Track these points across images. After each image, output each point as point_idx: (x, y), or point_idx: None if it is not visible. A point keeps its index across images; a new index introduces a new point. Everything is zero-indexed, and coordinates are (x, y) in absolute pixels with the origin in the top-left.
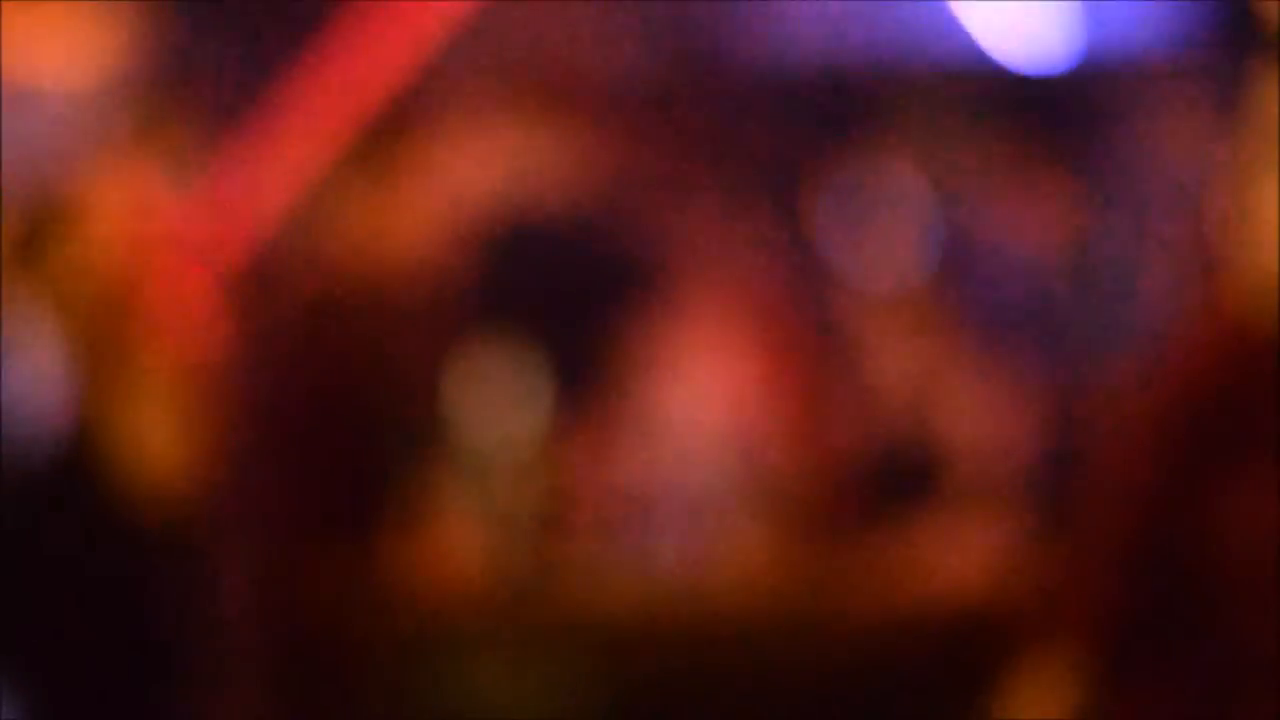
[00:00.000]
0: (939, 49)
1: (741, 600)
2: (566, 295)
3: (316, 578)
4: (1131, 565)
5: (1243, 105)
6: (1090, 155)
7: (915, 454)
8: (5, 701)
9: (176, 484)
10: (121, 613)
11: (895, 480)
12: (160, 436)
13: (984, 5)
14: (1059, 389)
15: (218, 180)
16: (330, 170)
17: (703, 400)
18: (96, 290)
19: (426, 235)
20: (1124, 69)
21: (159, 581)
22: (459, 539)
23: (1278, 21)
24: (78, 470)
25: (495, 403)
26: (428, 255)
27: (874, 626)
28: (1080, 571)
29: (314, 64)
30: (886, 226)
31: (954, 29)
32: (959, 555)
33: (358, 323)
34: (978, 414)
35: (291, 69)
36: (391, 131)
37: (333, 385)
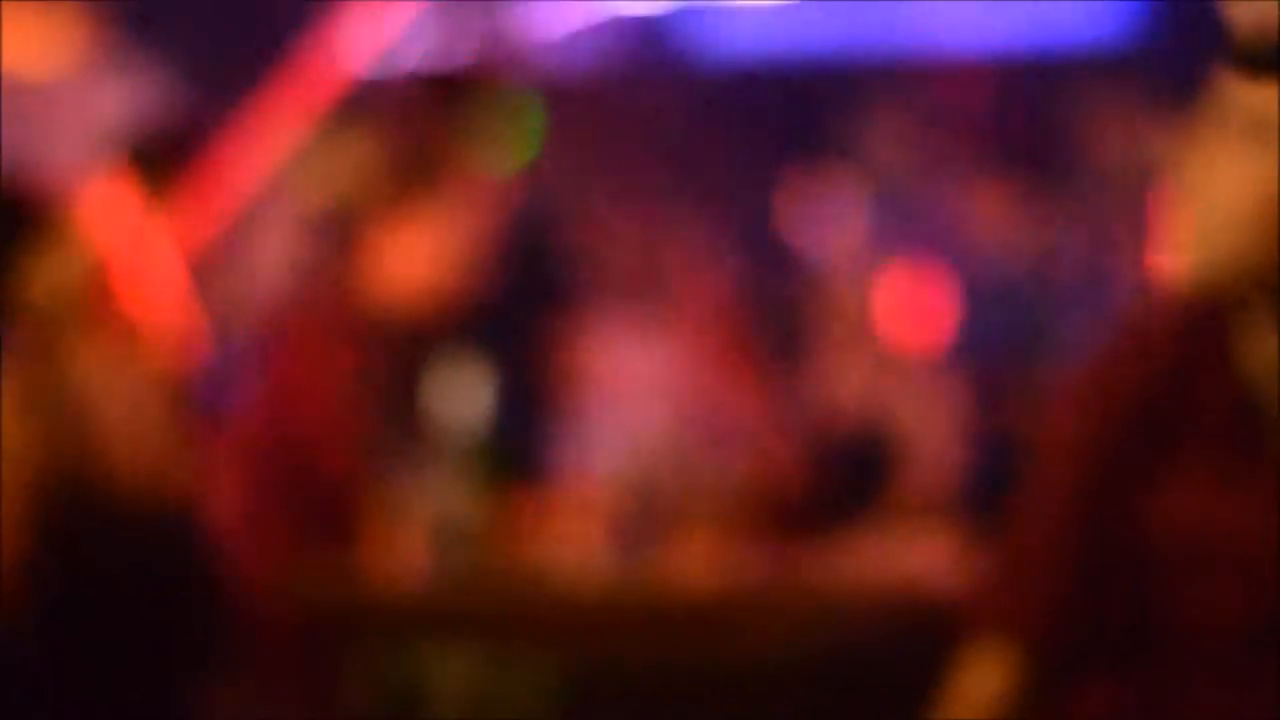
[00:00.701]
0: (895, 46)
1: (693, 595)
2: (519, 294)
3: (300, 573)
4: (1076, 559)
5: (1197, 96)
6: (1045, 150)
7: (867, 451)
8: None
9: (166, 485)
10: (129, 602)
11: (846, 477)
12: (144, 441)
13: (941, 3)
14: (1008, 384)
15: (192, 188)
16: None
17: (656, 397)
18: (73, 291)
19: (430, 266)
20: (1080, 63)
21: (156, 575)
22: (422, 536)
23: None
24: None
25: (454, 403)
26: (430, 284)
27: (821, 621)
28: (1024, 567)
29: (291, 72)
30: (842, 224)
31: (909, 26)
32: (908, 551)
33: (350, 341)
34: (930, 410)
35: (273, 77)
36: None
37: (320, 394)
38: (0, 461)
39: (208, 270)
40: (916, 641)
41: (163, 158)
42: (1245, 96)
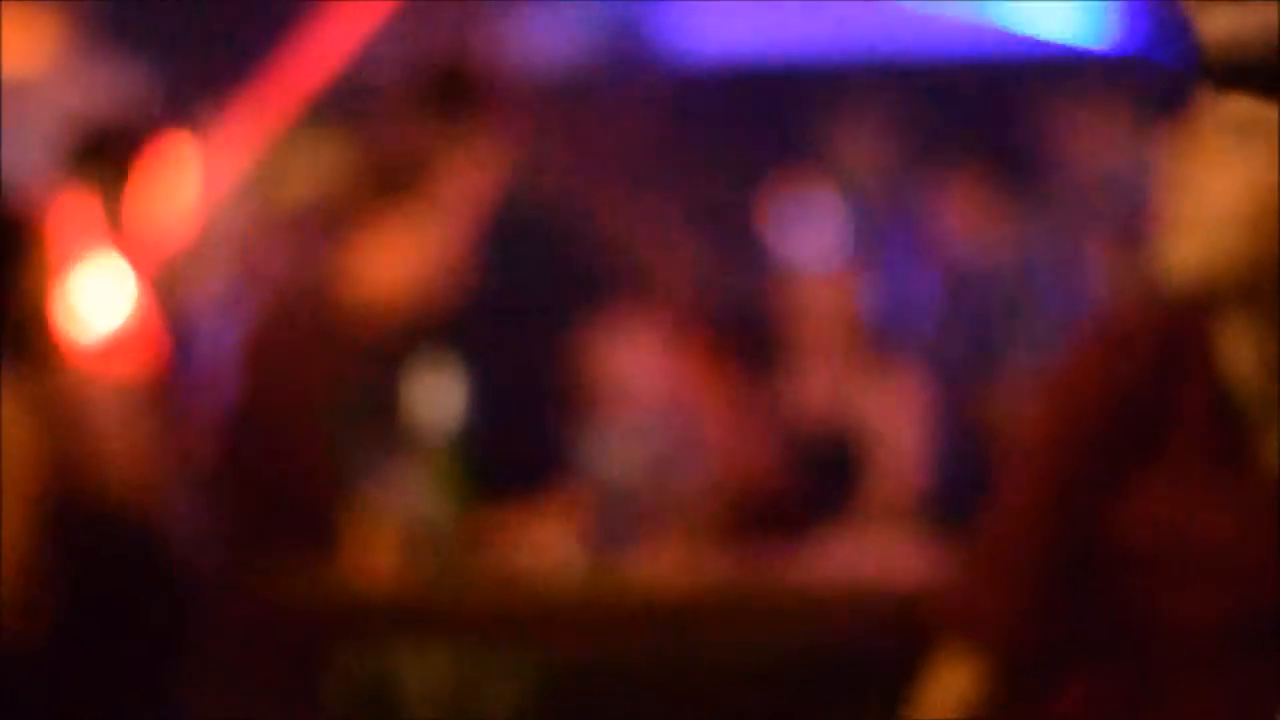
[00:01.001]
0: (871, 50)
1: (666, 595)
2: (499, 297)
3: (276, 575)
4: (1047, 563)
5: (1172, 101)
6: (1019, 153)
7: (839, 454)
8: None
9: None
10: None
11: (818, 479)
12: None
13: (917, 4)
14: (982, 386)
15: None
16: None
17: (635, 399)
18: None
19: (405, 272)
20: (1054, 65)
21: (143, 579)
22: (398, 538)
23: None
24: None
25: (431, 406)
26: (409, 287)
27: (792, 622)
28: (994, 570)
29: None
30: (817, 226)
31: (885, 29)
32: (880, 553)
33: (327, 343)
34: (902, 413)
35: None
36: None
37: (296, 395)
38: (9, 472)
39: (182, 270)
40: (887, 642)
41: (135, 156)
42: (1231, 98)
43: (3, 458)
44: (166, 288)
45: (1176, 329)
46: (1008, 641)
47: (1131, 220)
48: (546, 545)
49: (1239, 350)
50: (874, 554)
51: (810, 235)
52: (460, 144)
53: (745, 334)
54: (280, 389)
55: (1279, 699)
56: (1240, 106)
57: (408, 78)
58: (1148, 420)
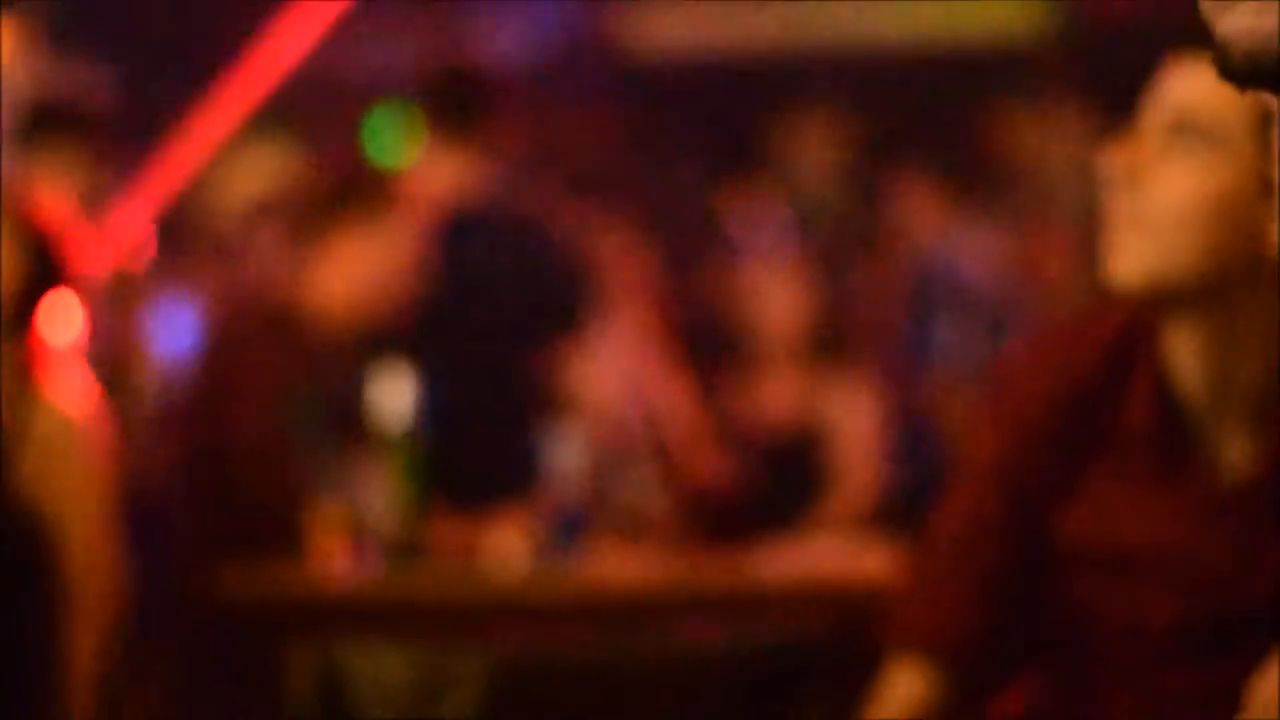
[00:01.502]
0: (822, 45)
1: (622, 595)
2: (464, 298)
3: (235, 575)
4: (989, 571)
5: (1124, 94)
6: (974, 150)
7: (798, 458)
8: None
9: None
10: None
11: (777, 483)
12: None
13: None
14: (939, 389)
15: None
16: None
17: (594, 401)
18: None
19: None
20: (1005, 61)
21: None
22: (354, 535)
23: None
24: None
25: (389, 409)
26: (369, 291)
27: (748, 623)
28: (935, 578)
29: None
30: (774, 229)
31: (837, 24)
32: (839, 556)
33: (287, 346)
34: (861, 418)
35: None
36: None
37: (255, 397)
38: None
39: (135, 269)
40: (841, 644)
41: (87, 139)
42: (1178, 98)
43: (78, 458)
44: (119, 286)
45: (1125, 330)
46: (955, 643)
47: (1083, 217)
48: (504, 546)
49: (1185, 353)
50: (831, 555)
51: (766, 236)
52: (451, 148)
53: (703, 336)
54: (238, 390)
55: (1225, 703)
56: (1184, 109)
57: (412, 80)
58: (1095, 422)
